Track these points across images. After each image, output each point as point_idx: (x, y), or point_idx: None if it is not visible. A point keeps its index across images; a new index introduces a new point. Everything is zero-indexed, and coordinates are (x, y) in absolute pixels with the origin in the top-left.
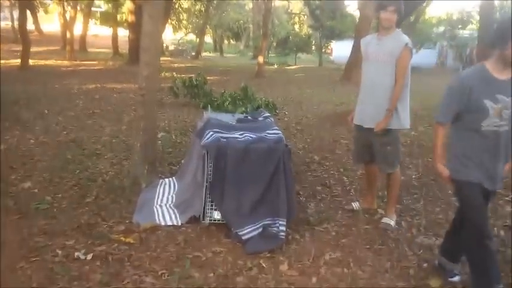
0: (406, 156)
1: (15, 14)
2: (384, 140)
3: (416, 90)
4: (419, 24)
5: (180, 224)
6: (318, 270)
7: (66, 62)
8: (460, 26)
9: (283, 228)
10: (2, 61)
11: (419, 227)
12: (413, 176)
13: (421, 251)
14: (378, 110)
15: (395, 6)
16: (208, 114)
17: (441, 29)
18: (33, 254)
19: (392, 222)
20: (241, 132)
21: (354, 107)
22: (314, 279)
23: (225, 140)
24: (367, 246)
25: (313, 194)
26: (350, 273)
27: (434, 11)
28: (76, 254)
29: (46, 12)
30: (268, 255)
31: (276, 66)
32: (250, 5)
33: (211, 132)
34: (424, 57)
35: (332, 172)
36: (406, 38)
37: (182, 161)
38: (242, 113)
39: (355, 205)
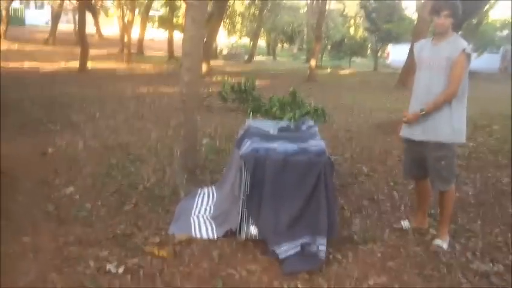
0: (463, 170)
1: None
2: (438, 155)
3: (476, 96)
4: (482, 27)
5: (216, 238)
6: None
7: (123, 65)
8: None
9: (323, 247)
10: (63, 64)
11: (475, 250)
12: (470, 193)
13: (477, 278)
14: (430, 121)
15: (449, 11)
16: (250, 122)
17: (505, 32)
18: (65, 264)
19: (445, 245)
20: (282, 142)
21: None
22: None
23: (263, 150)
24: (416, 271)
25: (359, 209)
26: None
27: (498, 14)
28: (108, 266)
29: (107, 15)
30: (307, 276)
31: (329, 70)
32: (305, 8)
33: (249, 142)
34: (486, 62)
35: (381, 185)
36: (464, 43)
37: (224, 169)
38: (290, 119)
39: (405, 223)
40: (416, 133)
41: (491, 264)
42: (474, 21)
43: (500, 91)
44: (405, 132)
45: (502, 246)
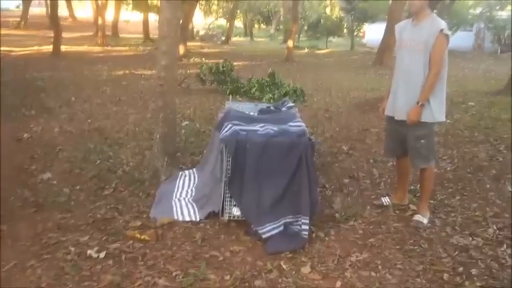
0: (441, 147)
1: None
2: (418, 134)
3: (452, 75)
4: (456, 5)
5: (198, 220)
6: (343, 274)
7: (97, 48)
8: (498, 7)
9: (306, 226)
10: (36, 47)
11: (454, 225)
12: (448, 169)
13: (457, 252)
14: (411, 101)
15: None
16: (230, 104)
17: (478, 10)
18: (45, 251)
19: (425, 220)
20: (262, 125)
21: (386, 94)
22: (338, 284)
23: (244, 133)
24: (397, 247)
25: (340, 187)
26: (378, 277)
27: None
28: (89, 251)
29: None
30: (290, 255)
31: (306, 50)
32: None
33: (230, 125)
34: (460, 40)
35: (361, 163)
36: (442, 24)
37: (204, 151)
38: (269, 100)
39: (385, 200)
40: (398, 112)
41: (470, 238)
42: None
43: (475, 68)
44: (388, 110)
45: (481, 221)
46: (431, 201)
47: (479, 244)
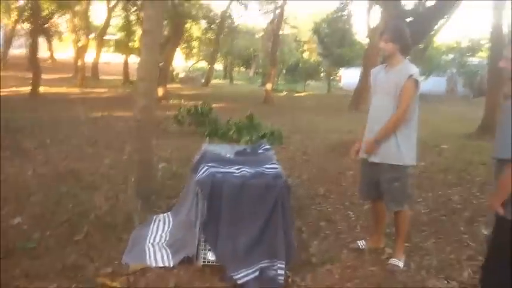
0: (416, 189)
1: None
2: (390, 176)
3: (425, 118)
4: (429, 51)
5: (172, 265)
6: None
7: (77, 90)
8: (469, 54)
9: (282, 271)
10: (14, 88)
11: (429, 268)
12: (422, 211)
13: None
14: (383, 144)
15: (389, 35)
16: (206, 146)
17: (451, 56)
18: None
19: (401, 263)
20: (238, 167)
21: (359, 136)
22: None
23: (220, 175)
24: None
25: (316, 230)
26: None
27: (443, 39)
28: None
29: (60, 40)
30: None
31: (284, 92)
32: (261, 33)
33: (206, 167)
34: (433, 84)
35: (337, 206)
36: (412, 69)
37: (180, 194)
38: (247, 142)
39: (361, 243)
40: (372, 155)
41: (445, 282)
42: (421, 46)
43: (448, 111)
44: (362, 152)
45: (455, 264)
46: (407, 244)
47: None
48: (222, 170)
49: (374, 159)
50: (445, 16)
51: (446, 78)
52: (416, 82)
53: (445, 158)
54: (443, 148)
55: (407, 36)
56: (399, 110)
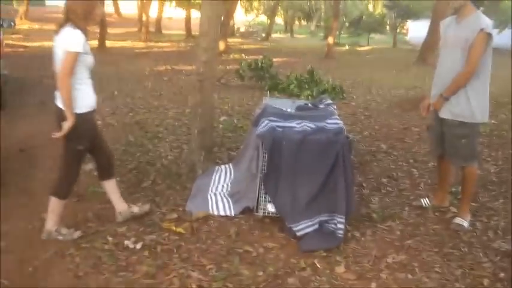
0: (485, 148)
1: None
2: (457, 133)
3: (498, 74)
4: (504, 2)
5: (233, 214)
6: (378, 275)
7: (141, 44)
8: None
9: (342, 226)
10: None
11: (496, 229)
12: (491, 171)
13: (498, 257)
14: (452, 99)
15: None
16: (267, 100)
17: None
18: (83, 240)
19: (466, 223)
20: (299, 121)
21: (428, 92)
22: (374, 285)
23: (281, 129)
24: (436, 250)
25: (377, 187)
26: (415, 280)
27: None
28: (126, 242)
29: None
30: (324, 254)
31: (347, 47)
32: None
33: (266, 121)
34: (508, 38)
35: (400, 163)
36: (484, 22)
37: (241, 147)
38: (307, 97)
39: (425, 201)
40: (441, 110)
41: None
42: None
43: None
44: (431, 108)
45: None
46: (473, 204)
47: None
48: (282, 124)
49: (443, 115)
50: None
51: None
52: (489, 36)
53: None
54: None
55: None
56: (468, 65)
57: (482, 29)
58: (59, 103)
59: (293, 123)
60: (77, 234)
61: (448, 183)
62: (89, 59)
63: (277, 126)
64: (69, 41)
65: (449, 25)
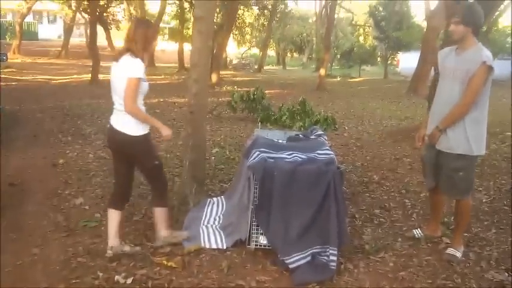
0: (477, 178)
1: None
2: (455, 166)
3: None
4: (492, 34)
5: (225, 247)
6: None
7: None
8: None
9: (334, 258)
10: (75, 76)
11: (489, 259)
12: (483, 200)
13: None
14: (449, 131)
15: (460, 17)
16: (258, 132)
17: None
18: (74, 276)
19: (459, 254)
20: (290, 152)
21: (423, 123)
22: None
23: (272, 160)
24: (429, 281)
25: (370, 218)
26: None
27: (507, 21)
28: (116, 277)
29: (118, 28)
30: (317, 287)
31: (339, 78)
32: (314, 18)
33: (257, 152)
34: (498, 68)
35: (392, 194)
36: (485, 55)
37: (233, 178)
38: (300, 128)
39: (417, 232)
40: (438, 142)
41: (506, 274)
42: (484, 28)
43: None
44: (427, 140)
45: None
46: (466, 234)
47: None
48: (273, 155)
49: (440, 147)
50: None
51: (511, 61)
52: (490, 69)
53: (509, 146)
54: (507, 135)
55: (480, 17)
56: (466, 97)
57: (484, 62)
58: (118, 126)
59: (284, 154)
60: (186, 234)
61: (440, 213)
62: (145, 86)
63: (268, 157)
64: (131, 69)
65: (448, 56)
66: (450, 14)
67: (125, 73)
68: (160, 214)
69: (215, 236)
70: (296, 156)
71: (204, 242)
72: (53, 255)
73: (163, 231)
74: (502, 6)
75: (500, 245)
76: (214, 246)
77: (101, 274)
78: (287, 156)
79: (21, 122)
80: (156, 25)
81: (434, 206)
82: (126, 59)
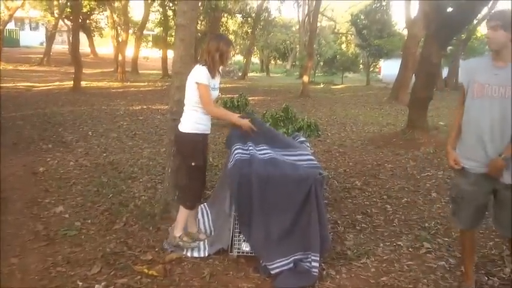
0: None
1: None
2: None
3: None
4: (472, 42)
5: (207, 255)
6: None
7: (117, 84)
8: None
9: (316, 264)
10: (57, 83)
11: None
12: None
13: None
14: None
15: (498, 22)
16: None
17: None
18: (53, 285)
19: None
20: (267, 147)
21: (450, 143)
22: None
23: (247, 155)
24: (410, 286)
25: (352, 223)
26: None
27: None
28: (96, 286)
29: (101, 36)
30: None
31: (322, 85)
32: (297, 26)
33: (236, 150)
34: None
35: (374, 199)
36: None
37: (216, 185)
38: (283, 134)
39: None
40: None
41: (486, 278)
42: (463, 36)
43: None
44: (468, 162)
45: (497, 260)
46: (446, 239)
47: (495, 284)
48: (250, 151)
49: (504, 180)
50: (488, 5)
51: None
52: None
53: None
54: None
55: None
56: None
57: None
58: (180, 128)
59: (261, 151)
60: (195, 245)
61: (475, 256)
62: (213, 93)
63: (243, 153)
64: (197, 75)
65: (480, 69)
66: (488, 18)
67: (193, 79)
68: (181, 214)
69: (198, 246)
70: (277, 161)
71: (187, 252)
72: (32, 265)
73: (176, 231)
74: (479, 16)
75: (479, 249)
76: (196, 255)
77: (80, 283)
78: (264, 155)
79: (1, 130)
80: (228, 39)
81: (471, 249)
82: (197, 67)
